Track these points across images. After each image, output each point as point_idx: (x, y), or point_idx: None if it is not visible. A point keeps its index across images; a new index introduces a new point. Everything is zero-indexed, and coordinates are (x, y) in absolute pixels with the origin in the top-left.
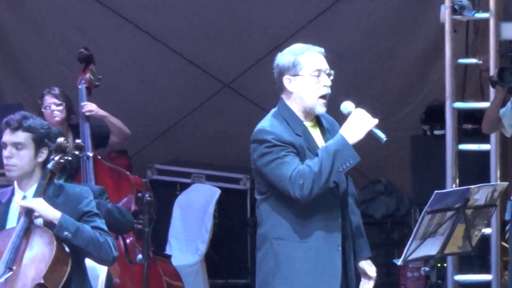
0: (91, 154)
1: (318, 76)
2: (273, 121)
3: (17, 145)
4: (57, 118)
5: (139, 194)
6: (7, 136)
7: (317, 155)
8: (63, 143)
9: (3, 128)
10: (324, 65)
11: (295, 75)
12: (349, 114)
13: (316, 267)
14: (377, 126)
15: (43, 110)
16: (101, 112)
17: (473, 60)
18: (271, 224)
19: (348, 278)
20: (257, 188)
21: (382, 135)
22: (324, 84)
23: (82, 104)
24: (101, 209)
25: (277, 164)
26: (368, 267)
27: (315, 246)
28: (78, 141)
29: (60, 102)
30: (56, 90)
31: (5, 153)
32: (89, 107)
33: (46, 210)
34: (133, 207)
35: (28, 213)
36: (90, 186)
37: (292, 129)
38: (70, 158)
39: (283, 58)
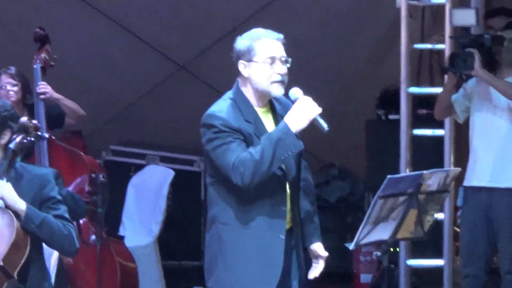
0: (47, 135)
1: (272, 63)
2: (224, 106)
3: None
4: (12, 98)
5: (93, 175)
6: None
7: None
8: (27, 123)
9: None
10: (279, 52)
11: (249, 60)
12: (295, 100)
13: (257, 254)
14: (320, 115)
15: None
16: (55, 95)
17: (429, 46)
18: (218, 208)
19: (298, 264)
20: (207, 171)
21: (324, 125)
22: (277, 72)
23: (37, 84)
24: None
25: (222, 150)
26: (318, 248)
27: (257, 233)
28: (34, 121)
29: (16, 82)
30: (12, 70)
31: None
32: (43, 88)
33: (14, 200)
34: (86, 188)
35: None
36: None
37: (243, 114)
38: (32, 138)
39: (241, 42)
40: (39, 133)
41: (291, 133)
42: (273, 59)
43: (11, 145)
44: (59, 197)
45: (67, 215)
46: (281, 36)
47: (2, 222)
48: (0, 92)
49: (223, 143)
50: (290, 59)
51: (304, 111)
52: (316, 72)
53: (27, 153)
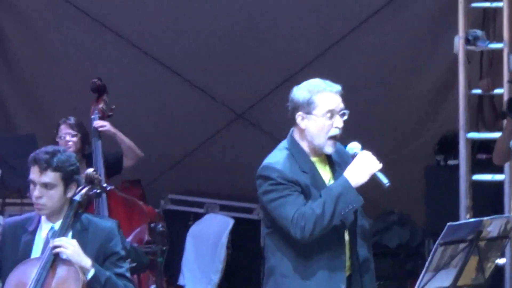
0: (108, 188)
1: (331, 117)
2: (280, 157)
3: (46, 185)
4: (71, 149)
5: (152, 225)
6: (36, 176)
7: (321, 195)
8: (92, 174)
9: (30, 165)
10: (338, 105)
11: (308, 113)
12: (355, 155)
13: None
14: (381, 170)
15: (57, 140)
16: (113, 130)
17: (487, 91)
18: (275, 260)
19: None
20: (264, 221)
21: (385, 180)
22: (336, 126)
23: (94, 122)
24: None
25: (280, 203)
26: None
27: (318, 284)
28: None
29: (75, 133)
30: (72, 120)
31: (35, 192)
32: (102, 122)
33: (79, 259)
34: (146, 238)
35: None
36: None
37: (298, 165)
38: (98, 190)
39: (299, 93)
40: (104, 184)
41: (352, 189)
42: (332, 113)
43: (77, 197)
44: (123, 252)
45: (128, 274)
46: (339, 88)
47: (68, 275)
48: (59, 142)
49: (281, 196)
50: (347, 111)
51: (364, 166)
52: (374, 118)
53: (86, 204)
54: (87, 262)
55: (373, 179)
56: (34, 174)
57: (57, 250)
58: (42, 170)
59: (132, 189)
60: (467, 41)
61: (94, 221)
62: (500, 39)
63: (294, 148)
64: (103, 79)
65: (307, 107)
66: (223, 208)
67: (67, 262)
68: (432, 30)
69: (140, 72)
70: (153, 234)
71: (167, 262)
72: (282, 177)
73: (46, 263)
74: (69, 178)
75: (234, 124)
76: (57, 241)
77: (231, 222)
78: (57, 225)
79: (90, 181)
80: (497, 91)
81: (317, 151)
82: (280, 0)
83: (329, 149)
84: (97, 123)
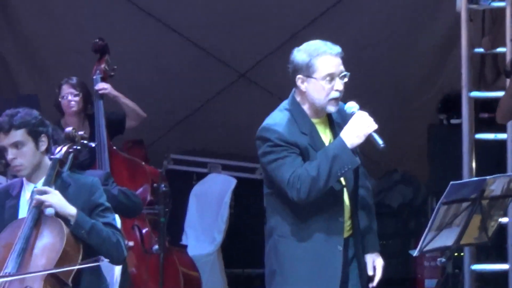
0: (93, 144)
1: (331, 81)
2: (279, 118)
3: (16, 145)
4: (73, 108)
5: (155, 185)
6: (3, 140)
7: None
8: (72, 132)
9: None
10: (338, 69)
11: (308, 76)
12: (352, 114)
13: (315, 267)
14: (376, 131)
15: (60, 99)
16: (114, 92)
17: (489, 49)
18: (275, 220)
19: (359, 271)
20: (264, 182)
21: (380, 141)
22: (336, 89)
23: (96, 85)
24: (108, 195)
25: (277, 165)
26: (374, 260)
27: (315, 246)
28: (81, 132)
29: (78, 92)
30: (74, 80)
31: (8, 156)
32: (103, 85)
33: (63, 206)
34: (148, 198)
35: (38, 204)
36: (94, 172)
37: (298, 126)
38: (79, 147)
39: (299, 56)
40: (85, 141)
41: (347, 150)
42: (332, 76)
43: (57, 155)
44: (107, 204)
45: (115, 223)
46: (339, 50)
47: (52, 230)
48: (62, 102)
49: (278, 157)
50: (348, 74)
51: (360, 127)
52: (377, 77)
53: (88, 163)
54: (71, 209)
55: (369, 140)
56: (1, 140)
57: (41, 198)
58: (6, 132)
59: (135, 150)
60: (470, 0)
61: (75, 178)
62: None
63: (295, 109)
64: (105, 39)
65: (306, 70)
66: (226, 168)
67: (51, 218)
68: None
69: (142, 31)
70: (156, 194)
71: (170, 222)
72: (280, 139)
73: (31, 221)
74: (35, 131)
75: (237, 83)
76: (39, 191)
77: (234, 181)
78: (39, 185)
79: (70, 139)
80: (500, 49)
81: (319, 113)
82: None
83: (331, 108)
84: (98, 86)
